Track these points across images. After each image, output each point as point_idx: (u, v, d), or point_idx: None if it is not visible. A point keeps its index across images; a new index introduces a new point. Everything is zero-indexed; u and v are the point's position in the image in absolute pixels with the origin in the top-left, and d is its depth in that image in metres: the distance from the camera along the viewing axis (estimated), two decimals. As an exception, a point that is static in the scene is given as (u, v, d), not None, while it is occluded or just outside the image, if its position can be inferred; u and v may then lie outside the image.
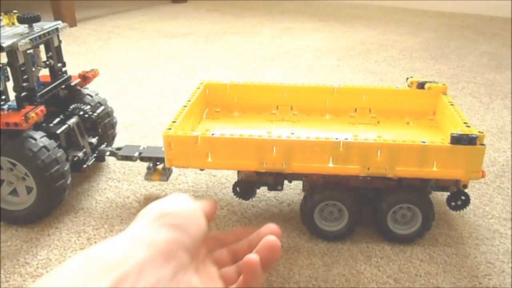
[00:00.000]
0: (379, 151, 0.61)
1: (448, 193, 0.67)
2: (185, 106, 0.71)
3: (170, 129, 0.64)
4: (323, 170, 0.63)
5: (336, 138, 0.61)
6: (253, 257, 0.38)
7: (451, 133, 0.60)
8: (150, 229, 0.37)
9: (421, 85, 0.77)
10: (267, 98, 0.80)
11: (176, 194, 0.43)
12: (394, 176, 0.62)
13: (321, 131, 0.74)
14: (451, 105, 0.72)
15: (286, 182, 0.70)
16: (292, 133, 0.64)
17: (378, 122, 0.78)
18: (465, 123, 0.65)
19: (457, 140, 0.60)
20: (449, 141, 0.60)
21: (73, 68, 0.83)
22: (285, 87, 0.81)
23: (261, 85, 0.81)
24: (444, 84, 0.77)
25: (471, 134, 0.60)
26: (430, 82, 0.77)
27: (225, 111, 0.82)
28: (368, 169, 0.61)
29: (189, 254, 0.38)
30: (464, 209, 0.68)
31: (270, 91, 0.80)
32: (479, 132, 0.60)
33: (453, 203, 0.67)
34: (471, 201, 0.67)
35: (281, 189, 0.70)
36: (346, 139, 0.61)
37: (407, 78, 0.80)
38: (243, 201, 0.73)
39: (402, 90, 0.79)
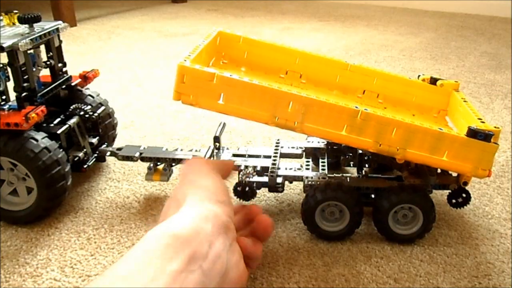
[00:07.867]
0: (395, 129, 0.59)
1: (449, 191, 0.67)
2: (199, 45, 0.68)
3: (185, 60, 0.60)
4: (335, 137, 0.60)
5: (356, 107, 0.59)
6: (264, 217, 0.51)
7: (469, 126, 0.59)
8: (206, 205, 0.44)
9: (433, 81, 0.77)
10: (278, 60, 0.78)
11: (196, 164, 0.52)
12: (402, 157, 0.60)
13: None
14: (465, 101, 0.71)
15: (286, 183, 0.70)
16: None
17: (385, 107, 0.77)
18: (479, 119, 0.64)
19: (474, 133, 0.59)
20: (465, 133, 0.59)
21: (73, 68, 0.83)
22: (299, 53, 0.78)
23: (275, 45, 0.78)
24: (456, 81, 0.76)
25: (489, 131, 0.59)
26: (443, 79, 0.76)
27: (233, 64, 0.78)
28: (380, 145, 0.60)
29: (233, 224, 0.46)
30: (465, 206, 0.68)
31: (283, 54, 0.78)
32: (495, 127, 0.60)
33: (454, 201, 0.67)
34: (471, 201, 0.67)
35: (282, 191, 0.70)
36: (365, 109, 0.59)
37: (419, 76, 0.79)
38: (244, 201, 0.73)
39: (414, 81, 0.77)
